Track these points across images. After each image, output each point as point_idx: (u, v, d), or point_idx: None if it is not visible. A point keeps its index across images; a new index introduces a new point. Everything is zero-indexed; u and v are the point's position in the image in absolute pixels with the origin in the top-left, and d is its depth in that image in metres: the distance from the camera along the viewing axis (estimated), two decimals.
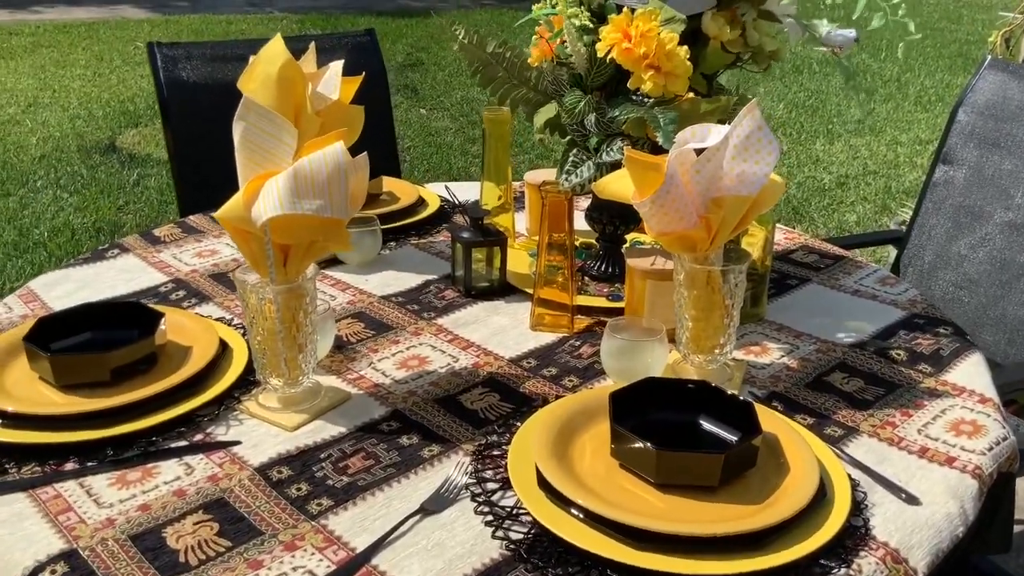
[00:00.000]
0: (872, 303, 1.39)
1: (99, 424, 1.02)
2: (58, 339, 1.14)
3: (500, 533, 0.88)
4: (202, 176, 2.03)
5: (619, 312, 1.33)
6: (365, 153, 1.08)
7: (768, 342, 1.26)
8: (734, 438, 0.96)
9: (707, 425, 0.98)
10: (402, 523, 0.89)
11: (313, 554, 0.86)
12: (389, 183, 1.79)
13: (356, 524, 0.90)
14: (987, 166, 1.81)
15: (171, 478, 0.97)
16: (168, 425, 1.04)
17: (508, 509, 0.91)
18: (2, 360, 1.14)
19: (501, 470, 0.97)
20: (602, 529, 0.85)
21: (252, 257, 1.04)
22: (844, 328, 1.30)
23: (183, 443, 1.02)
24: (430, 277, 1.46)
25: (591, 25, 1.19)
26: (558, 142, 1.40)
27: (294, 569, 0.84)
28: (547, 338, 1.27)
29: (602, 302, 1.35)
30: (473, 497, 0.93)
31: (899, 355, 1.23)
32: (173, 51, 2.03)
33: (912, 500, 0.93)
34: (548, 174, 1.61)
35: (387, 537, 0.88)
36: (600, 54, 1.18)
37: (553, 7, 1.29)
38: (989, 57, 1.89)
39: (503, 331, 1.29)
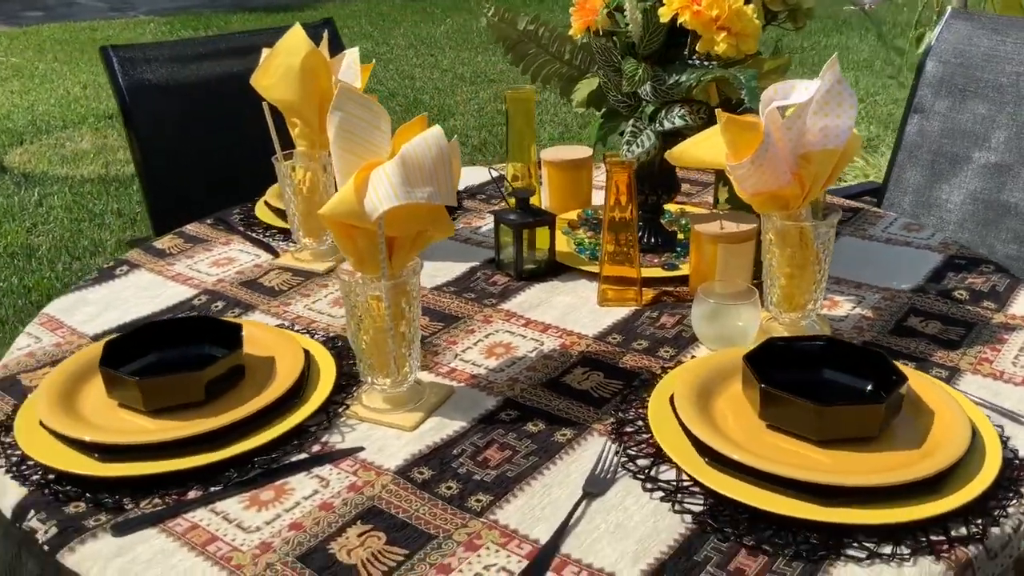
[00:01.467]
0: (908, 249, 1.43)
1: (208, 447, 0.95)
2: (127, 362, 1.06)
3: (678, 507, 0.87)
4: (175, 187, 1.93)
5: (682, 280, 1.33)
6: (455, 136, 1.04)
7: (834, 295, 1.28)
8: (868, 386, 0.97)
9: (843, 379, 0.99)
10: (575, 508, 0.87)
11: (498, 551, 0.82)
12: None
13: (526, 515, 0.87)
14: (961, 113, 1.90)
15: (309, 492, 0.91)
16: (282, 440, 0.98)
17: (674, 482, 0.90)
18: (70, 390, 1.05)
19: (645, 445, 0.96)
20: (780, 490, 0.85)
21: (357, 254, 0.99)
22: (896, 275, 1.33)
23: (303, 456, 0.97)
24: (472, 264, 1.43)
25: None
26: (593, 115, 1.39)
27: (486, 568, 0.80)
28: (619, 312, 1.26)
29: (659, 272, 1.34)
30: (635, 475, 0.91)
31: (961, 295, 1.27)
32: (130, 53, 1.91)
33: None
34: (566, 151, 1.60)
35: (567, 524, 0.85)
36: (664, 19, 1.17)
37: None
38: (951, 7, 1.97)
39: (573, 310, 1.27)
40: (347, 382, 1.09)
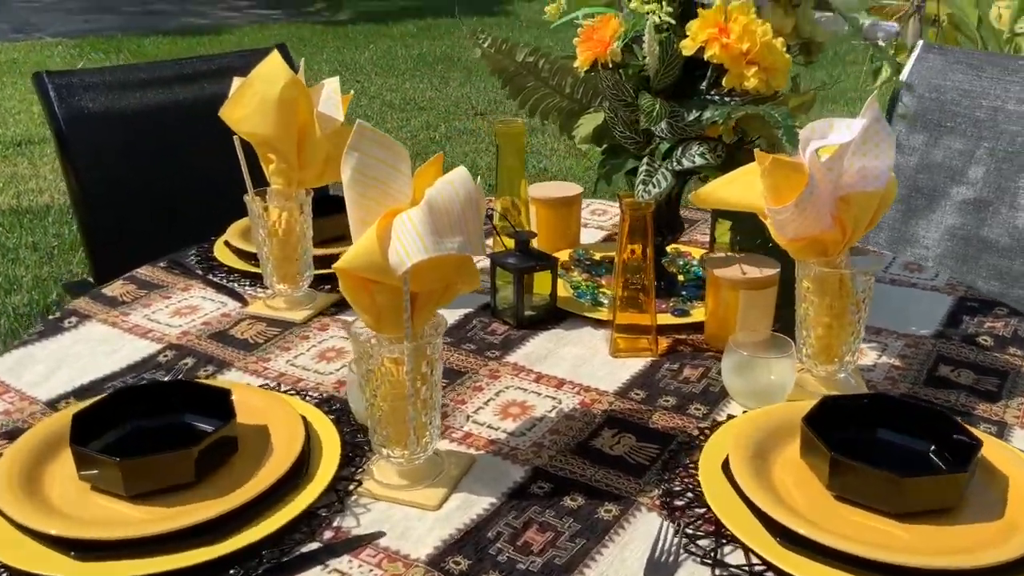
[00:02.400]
0: (915, 291, 1.38)
1: (205, 539, 0.82)
2: (98, 436, 0.92)
3: None
4: (116, 220, 1.77)
5: (694, 327, 1.25)
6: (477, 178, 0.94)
7: None
8: (931, 448, 0.90)
9: (903, 440, 0.92)
10: None
11: None
12: None
13: None
14: (937, 148, 1.88)
15: None
16: (290, 527, 0.85)
17: (746, 567, 0.81)
18: (32, 471, 0.90)
19: (702, 522, 0.86)
20: (862, 572, 0.77)
21: (375, 312, 0.87)
22: (912, 320, 1.28)
23: (316, 545, 0.84)
24: (464, 310, 1.32)
25: (672, 22, 1.10)
26: (594, 150, 1.31)
27: None
28: (636, 364, 1.17)
29: (669, 318, 1.26)
30: (701, 560, 0.82)
31: (986, 341, 1.22)
32: (67, 80, 1.74)
33: None
34: (554, 188, 1.51)
35: None
36: (688, 52, 1.09)
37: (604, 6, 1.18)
38: (921, 42, 1.96)
39: (585, 362, 1.17)
40: (353, 453, 0.97)
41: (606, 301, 1.32)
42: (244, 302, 1.36)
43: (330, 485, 0.91)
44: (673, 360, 1.17)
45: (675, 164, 1.15)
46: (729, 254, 1.22)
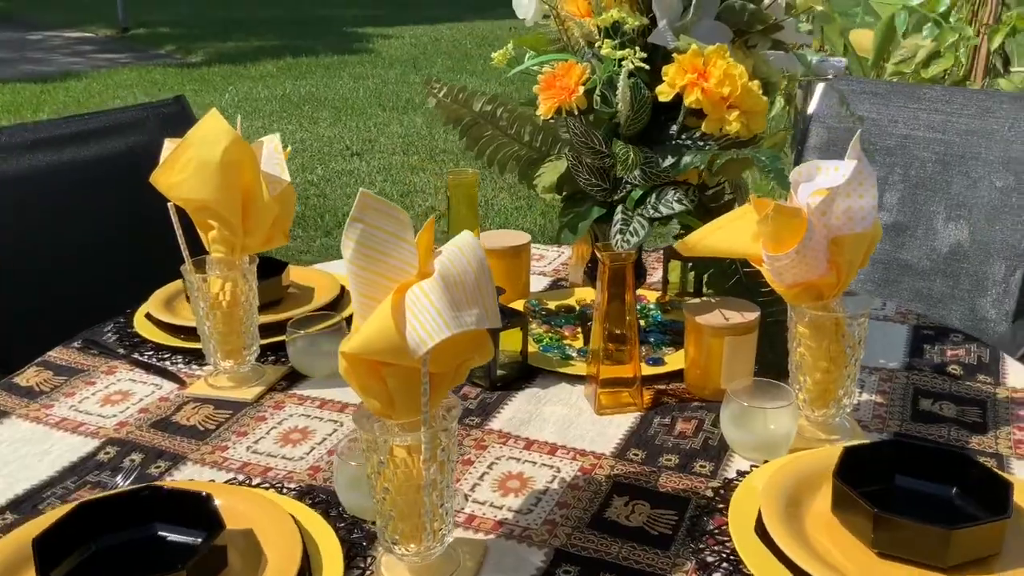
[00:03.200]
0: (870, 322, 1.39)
1: None
2: (59, 563, 0.80)
3: None
4: (17, 294, 1.60)
5: (672, 376, 1.21)
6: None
7: None
8: (952, 490, 0.89)
9: (924, 486, 0.90)
10: None
11: None
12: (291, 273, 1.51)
13: None
14: None
15: None
16: None
17: None
18: None
19: None
20: None
21: (386, 398, 0.79)
22: (877, 352, 1.28)
23: None
24: None
25: (646, 67, 1.06)
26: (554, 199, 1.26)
27: None
28: (623, 421, 1.12)
29: (645, 369, 1.22)
30: None
31: (955, 370, 1.23)
32: None
33: None
34: (501, 237, 1.45)
35: None
36: (665, 98, 1.06)
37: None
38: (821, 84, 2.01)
39: (571, 423, 1.12)
40: (352, 552, 0.88)
41: (574, 354, 1.27)
42: (181, 383, 1.24)
43: None
44: (661, 414, 1.13)
45: (651, 211, 1.12)
46: (705, 299, 1.19)
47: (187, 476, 1.02)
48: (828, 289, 1.01)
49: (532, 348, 1.28)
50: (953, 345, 1.31)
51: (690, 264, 1.33)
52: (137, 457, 1.06)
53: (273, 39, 10.42)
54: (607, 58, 1.08)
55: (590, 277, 1.30)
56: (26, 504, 0.98)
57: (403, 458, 0.80)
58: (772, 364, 1.17)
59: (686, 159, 1.08)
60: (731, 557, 0.86)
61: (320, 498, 0.97)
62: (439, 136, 6.13)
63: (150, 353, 1.32)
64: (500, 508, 0.95)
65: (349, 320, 1.30)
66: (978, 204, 1.79)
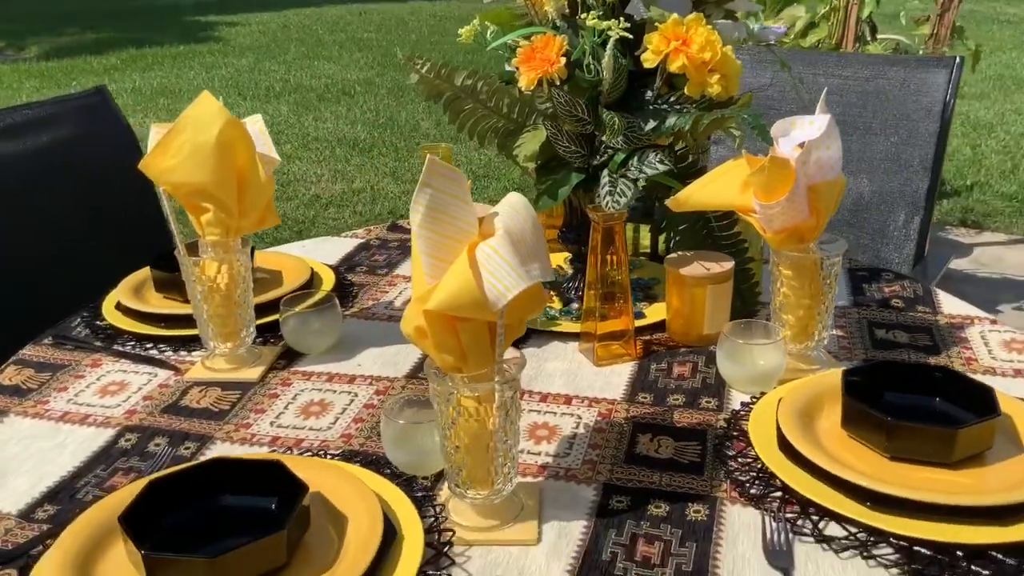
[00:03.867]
0: None
1: None
2: (149, 535, 0.81)
3: (872, 560, 0.84)
4: None
5: (655, 327, 1.30)
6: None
7: None
8: (935, 400, 1.01)
9: (917, 400, 1.02)
10: None
11: None
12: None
13: None
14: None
15: None
16: None
17: (850, 536, 0.86)
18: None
19: (786, 502, 0.91)
20: (953, 519, 0.85)
21: (460, 352, 0.84)
22: None
23: None
24: None
25: (630, 36, 1.14)
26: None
27: None
28: (622, 371, 1.20)
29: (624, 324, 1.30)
30: (817, 540, 0.87)
31: (898, 303, 1.38)
32: None
33: None
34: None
35: None
36: (650, 64, 1.14)
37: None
38: None
39: (575, 375, 1.19)
40: (417, 503, 0.92)
41: (557, 314, 1.34)
42: (176, 369, 1.24)
43: (426, 542, 0.86)
44: (655, 361, 1.22)
45: (635, 172, 1.20)
46: (683, 253, 1.28)
47: (219, 454, 1.03)
48: (809, 233, 1.12)
49: None
50: (887, 282, 1.46)
51: (663, 224, 1.42)
52: (162, 441, 1.07)
53: (110, 31, 9.94)
54: (590, 29, 1.15)
55: (564, 241, 1.37)
56: (63, 495, 0.97)
57: (474, 408, 0.85)
58: (738, 310, 1.28)
59: (670, 121, 1.17)
60: (761, 474, 0.95)
61: (369, 459, 1.00)
62: (308, 124, 6.05)
63: (132, 343, 1.31)
64: (538, 455, 1.02)
65: (328, 297, 1.33)
66: (876, 159, 1.97)
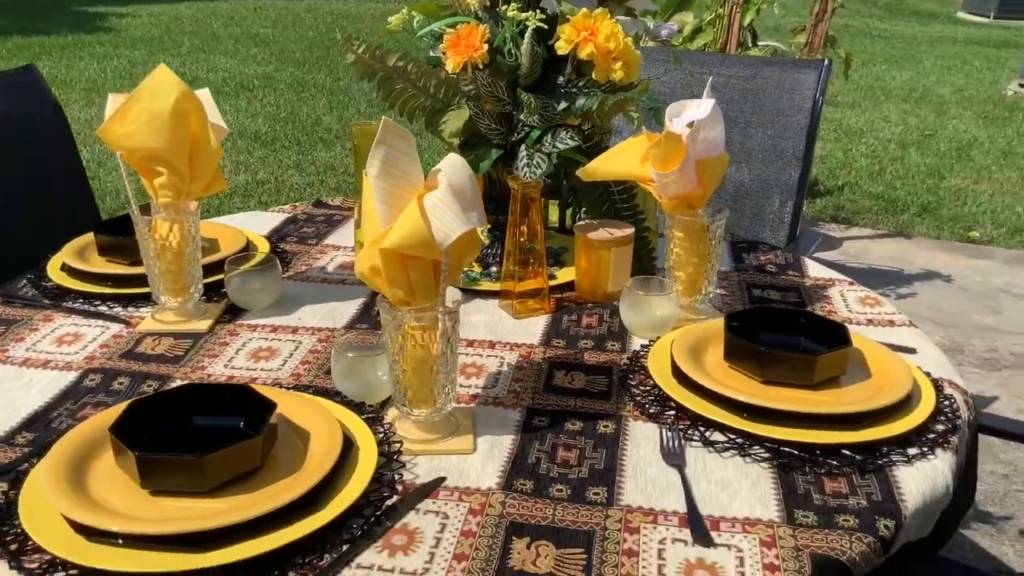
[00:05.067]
0: None
1: (307, 512, 0.88)
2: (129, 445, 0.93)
3: (750, 459, 1.02)
4: None
5: (567, 287, 1.47)
6: None
7: None
8: (800, 339, 1.21)
9: (783, 339, 1.21)
10: (684, 479, 0.98)
11: (655, 527, 0.91)
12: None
13: (648, 493, 0.96)
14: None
15: (438, 528, 0.90)
16: (368, 492, 0.94)
17: (729, 440, 1.05)
18: (77, 466, 0.89)
19: (678, 417, 1.09)
20: (818, 425, 1.05)
21: (409, 287, 0.98)
22: None
23: (398, 498, 0.94)
24: (354, 302, 1.42)
25: (545, 27, 1.30)
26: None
27: (661, 542, 0.88)
28: (538, 322, 1.36)
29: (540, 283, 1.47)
30: (704, 444, 1.04)
31: (771, 268, 1.58)
32: None
33: (907, 350, 1.28)
34: None
35: (690, 491, 0.96)
36: (563, 51, 1.31)
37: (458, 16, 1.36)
38: None
39: (496, 325, 1.34)
40: (367, 422, 1.06)
41: (478, 276, 1.49)
42: (126, 323, 1.34)
43: (378, 452, 1.00)
44: (567, 314, 1.39)
45: (549, 147, 1.36)
46: (590, 221, 1.45)
47: None
48: (697, 200, 1.31)
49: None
50: (763, 252, 1.66)
51: (569, 200, 1.59)
52: (125, 380, 1.17)
53: None
54: (511, 19, 1.31)
55: (489, 212, 1.53)
56: (37, 424, 1.07)
57: (420, 336, 1.00)
58: (637, 272, 1.46)
59: (580, 102, 1.34)
60: (658, 397, 1.13)
61: (319, 391, 1.13)
62: None
63: (80, 301, 1.40)
64: (469, 387, 1.17)
65: (270, 258, 1.45)
66: (755, 150, 2.19)
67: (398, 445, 1.02)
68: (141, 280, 1.40)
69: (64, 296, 1.41)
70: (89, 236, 1.54)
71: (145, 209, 1.31)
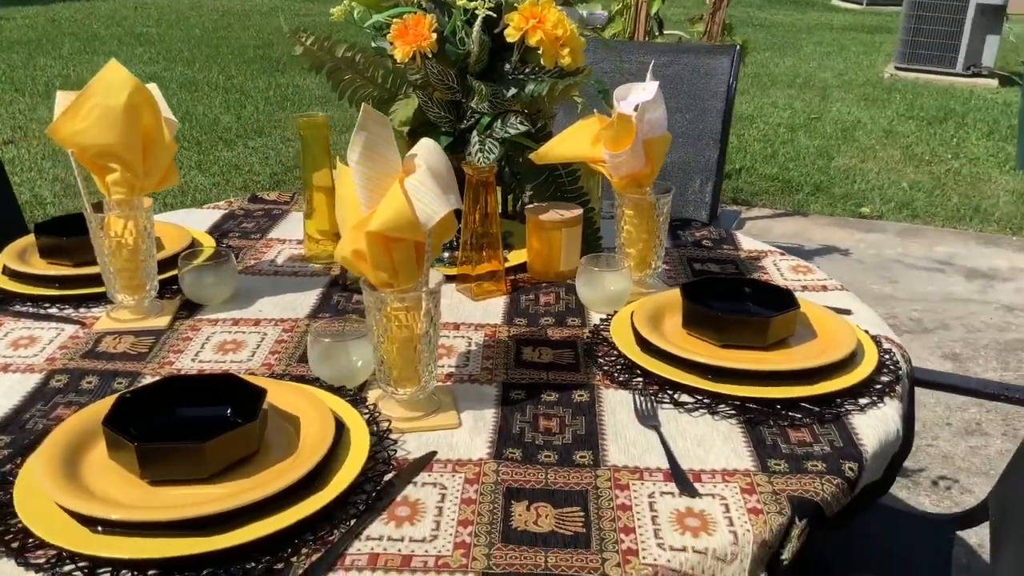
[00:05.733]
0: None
1: (310, 492, 0.91)
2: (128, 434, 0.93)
3: (718, 416, 1.09)
4: None
5: (519, 268, 1.51)
6: None
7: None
8: (750, 305, 1.28)
9: (732, 304, 1.28)
10: (662, 438, 1.04)
11: (642, 482, 0.96)
12: None
13: (630, 454, 1.01)
14: None
15: (438, 497, 0.93)
16: (371, 468, 0.96)
17: (697, 400, 1.11)
18: (72, 457, 0.89)
19: (647, 384, 1.15)
20: (778, 382, 1.12)
21: (392, 269, 1.01)
22: None
23: (394, 473, 0.97)
24: (311, 292, 1.43)
25: (494, 16, 1.34)
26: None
27: (650, 496, 0.94)
28: (499, 303, 1.40)
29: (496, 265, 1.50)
30: (675, 406, 1.11)
31: (707, 243, 1.66)
32: None
33: (843, 312, 1.37)
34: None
35: (668, 448, 1.02)
36: (512, 39, 1.35)
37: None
38: None
39: (458, 308, 1.38)
40: (354, 404, 1.08)
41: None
42: (80, 324, 1.32)
43: (370, 430, 1.02)
44: (524, 293, 1.43)
45: (500, 133, 1.40)
46: (538, 204, 1.50)
47: None
48: (646, 179, 1.37)
49: None
50: (696, 229, 1.74)
51: (512, 186, 1.63)
52: (93, 379, 1.16)
53: None
54: (460, 7, 1.34)
55: None
56: (12, 427, 1.05)
57: (404, 316, 1.03)
58: (584, 252, 1.52)
59: (529, 88, 1.38)
60: (625, 365, 1.19)
61: (295, 378, 1.15)
62: None
63: (29, 304, 1.37)
64: (443, 367, 1.20)
65: (224, 252, 1.45)
66: (675, 134, 2.27)
67: (387, 424, 1.05)
68: (89, 280, 1.39)
69: (10, 300, 1.38)
70: (27, 239, 1.50)
71: (98, 208, 1.29)
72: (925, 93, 7.44)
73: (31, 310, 1.35)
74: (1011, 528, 1.25)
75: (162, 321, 1.32)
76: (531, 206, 1.49)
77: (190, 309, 1.37)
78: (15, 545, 0.84)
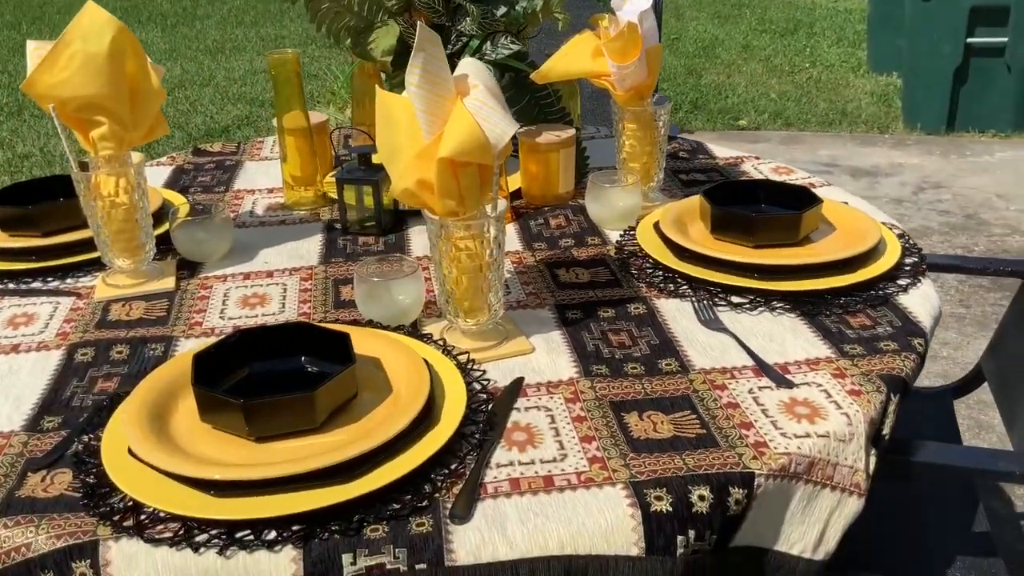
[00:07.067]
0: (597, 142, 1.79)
1: (401, 444, 0.87)
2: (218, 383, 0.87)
3: (775, 313, 1.11)
4: None
5: (514, 195, 1.49)
6: None
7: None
8: (763, 205, 1.31)
9: (754, 208, 1.31)
10: (736, 338, 1.05)
11: (737, 380, 0.98)
12: None
13: (712, 357, 1.02)
14: None
15: (547, 421, 0.92)
16: (470, 404, 0.93)
17: (750, 300, 1.13)
18: (159, 413, 0.83)
19: (695, 288, 1.16)
20: (811, 274, 1.16)
21: (458, 196, 0.97)
22: None
23: (491, 404, 0.95)
24: (312, 238, 1.37)
25: None
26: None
27: (750, 391, 0.96)
28: (509, 231, 1.37)
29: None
30: (733, 308, 1.12)
31: (684, 155, 1.68)
32: None
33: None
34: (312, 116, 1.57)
35: (746, 344, 1.03)
36: None
37: None
38: None
39: None
40: (421, 339, 1.05)
41: None
42: (77, 295, 1.22)
43: (455, 363, 0.99)
44: (531, 219, 1.41)
45: (491, 55, 1.37)
46: (529, 128, 1.47)
47: (188, 349, 1.07)
48: (647, 90, 1.37)
49: (385, 201, 1.46)
50: (677, 144, 1.76)
51: None
52: (124, 348, 1.08)
53: None
54: None
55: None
56: (56, 405, 0.97)
57: (472, 244, 0.99)
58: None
59: (522, 3, 1.34)
60: (667, 274, 1.20)
61: (344, 320, 1.10)
62: None
63: (6, 281, 1.25)
64: None
65: (219, 206, 1.37)
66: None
67: (465, 355, 1.02)
68: (68, 249, 1.29)
69: None
70: None
71: (84, 168, 1.18)
72: (771, 7, 7.70)
73: (13, 287, 1.24)
74: (1016, 391, 1.34)
75: (167, 283, 1.23)
76: (523, 130, 1.46)
77: (190, 268, 1.29)
78: (128, 523, 0.78)
